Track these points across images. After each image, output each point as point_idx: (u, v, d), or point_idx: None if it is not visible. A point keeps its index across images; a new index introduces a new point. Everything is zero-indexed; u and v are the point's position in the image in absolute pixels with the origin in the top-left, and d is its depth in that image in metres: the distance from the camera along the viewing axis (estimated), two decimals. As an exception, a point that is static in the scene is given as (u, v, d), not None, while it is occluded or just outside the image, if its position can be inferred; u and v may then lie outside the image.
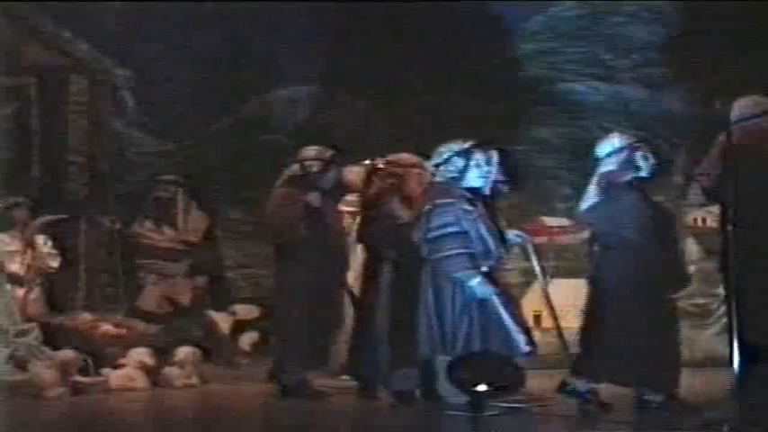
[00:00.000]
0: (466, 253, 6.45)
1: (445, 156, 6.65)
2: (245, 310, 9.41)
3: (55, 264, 9.05)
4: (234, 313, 9.39)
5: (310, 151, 7.62)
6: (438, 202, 6.54)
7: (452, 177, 6.63)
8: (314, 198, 7.46)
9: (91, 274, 9.69)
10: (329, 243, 7.53)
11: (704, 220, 9.17)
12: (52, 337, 8.30)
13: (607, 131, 7.15)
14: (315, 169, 7.55)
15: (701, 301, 9.01)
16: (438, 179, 6.69)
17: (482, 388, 6.63)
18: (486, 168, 6.64)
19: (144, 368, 8.36)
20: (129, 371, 8.31)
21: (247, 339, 9.23)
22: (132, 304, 9.52)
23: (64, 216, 9.37)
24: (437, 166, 6.69)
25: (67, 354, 8.10)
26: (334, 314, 7.64)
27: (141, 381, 8.28)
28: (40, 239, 9.11)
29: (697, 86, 9.29)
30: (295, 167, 7.57)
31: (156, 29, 9.79)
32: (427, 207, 6.57)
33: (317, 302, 7.46)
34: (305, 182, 7.56)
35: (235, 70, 9.84)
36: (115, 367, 8.31)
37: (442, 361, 6.55)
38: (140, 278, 9.67)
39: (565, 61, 9.69)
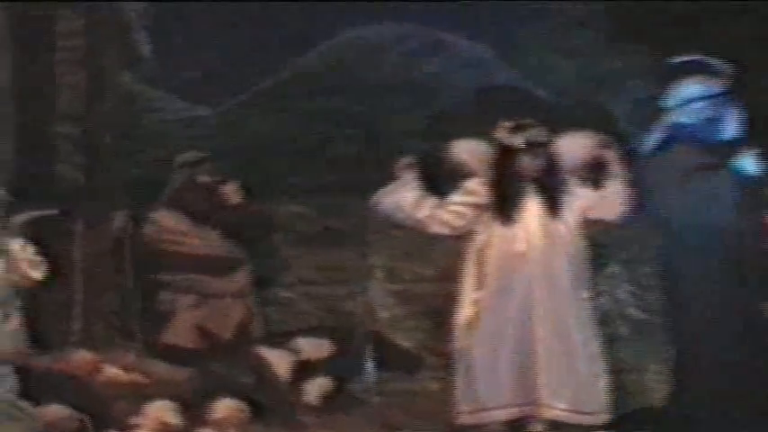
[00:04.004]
0: None
1: None
2: (313, 346, 8.44)
3: (37, 274, 8.07)
4: (296, 350, 8.45)
5: None
6: None
7: None
8: None
9: (91, 293, 8.80)
10: None
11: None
12: (35, 387, 7.47)
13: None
14: None
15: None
16: None
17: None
18: None
19: (167, 430, 7.65)
20: (146, 435, 7.80)
21: (316, 388, 8.20)
22: (151, 338, 8.62)
23: (51, 212, 8.41)
24: None
25: (57, 411, 7.40)
26: None
27: (162, 447, 7.81)
28: (17, 244, 8.09)
29: None
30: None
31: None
32: None
33: None
34: None
35: (289, 6, 9.15)
36: (125, 429, 7.65)
37: None
38: (165, 300, 8.66)
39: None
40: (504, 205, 7.39)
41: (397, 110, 9.10)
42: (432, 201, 7.73)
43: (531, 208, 7.42)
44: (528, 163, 7.43)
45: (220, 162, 8.90)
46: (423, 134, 8.73)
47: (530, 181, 7.44)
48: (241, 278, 8.83)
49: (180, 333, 8.72)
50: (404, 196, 7.73)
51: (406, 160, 7.85)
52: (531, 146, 7.41)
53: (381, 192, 7.96)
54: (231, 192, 8.85)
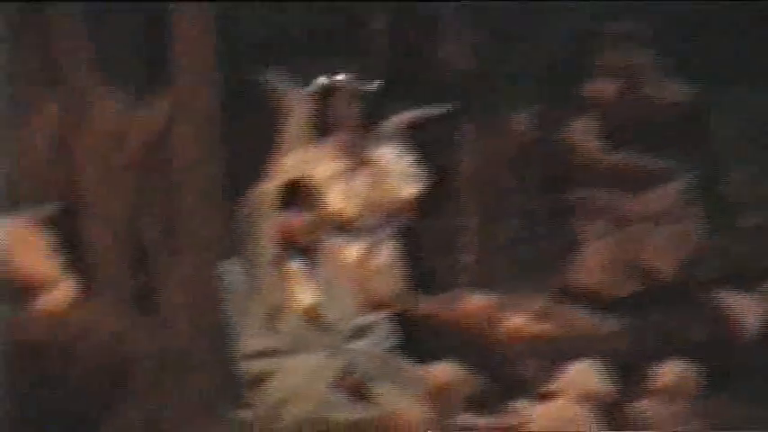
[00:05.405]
0: None
1: None
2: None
3: (413, 192, 7.11)
4: (772, 296, 7.63)
5: None
6: None
7: None
8: None
9: (487, 218, 7.86)
10: None
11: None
12: (418, 340, 6.56)
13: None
14: None
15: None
16: None
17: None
18: None
19: (593, 401, 6.84)
20: (566, 406, 6.87)
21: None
22: (566, 276, 7.58)
23: (434, 110, 7.23)
24: None
25: (446, 371, 6.89)
26: None
27: (586, 425, 6.86)
28: (389, 152, 7.06)
29: None
30: None
31: None
32: None
33: None
34: None
35: None
36: (541, 398, 6.97)
37: None
38: (585, 227, 7.60)
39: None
40: None
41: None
42: None
43: None
44: None
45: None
46: None
47: None
48: (670, 195, 7.62)
49: (591, 270, 7.60)
50: None
51: None
52: None
53: None
54: (657, 77, 7.57)
